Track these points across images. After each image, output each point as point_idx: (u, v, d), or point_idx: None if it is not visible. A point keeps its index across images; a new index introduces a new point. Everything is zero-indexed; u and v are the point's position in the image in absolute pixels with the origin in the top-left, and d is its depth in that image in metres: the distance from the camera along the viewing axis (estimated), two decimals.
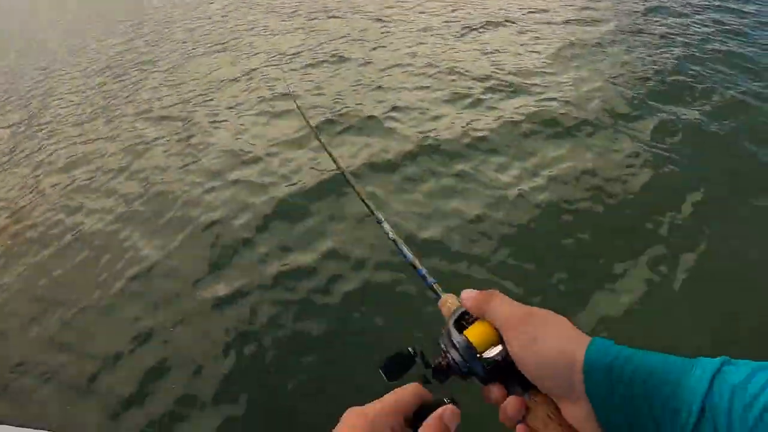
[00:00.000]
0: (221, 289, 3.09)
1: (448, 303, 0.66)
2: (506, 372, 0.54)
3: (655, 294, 2.56)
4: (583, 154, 3.71)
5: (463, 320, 0.58)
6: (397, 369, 0.58)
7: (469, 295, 0.59)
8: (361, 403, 0.52)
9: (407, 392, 0.53)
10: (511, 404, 0.53)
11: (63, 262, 3.86)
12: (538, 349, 0.51)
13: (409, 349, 0.55)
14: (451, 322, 0.58)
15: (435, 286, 0.71)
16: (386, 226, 0.85)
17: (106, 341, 2.99)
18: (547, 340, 0.51)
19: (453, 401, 0.53)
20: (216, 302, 3.01)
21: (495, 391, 0.55)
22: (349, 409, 0.51)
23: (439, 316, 0.66)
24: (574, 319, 0.53)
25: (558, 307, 0.53)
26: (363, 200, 0.91)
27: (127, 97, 7.29)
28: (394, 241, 0.82)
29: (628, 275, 2.68)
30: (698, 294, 2.53)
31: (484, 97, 4.82)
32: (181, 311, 3.04)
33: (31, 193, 5.18)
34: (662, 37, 5.66)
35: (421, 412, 0.52)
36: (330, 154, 1.11)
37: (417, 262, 0.76)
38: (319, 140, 1.29)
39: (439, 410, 0.51)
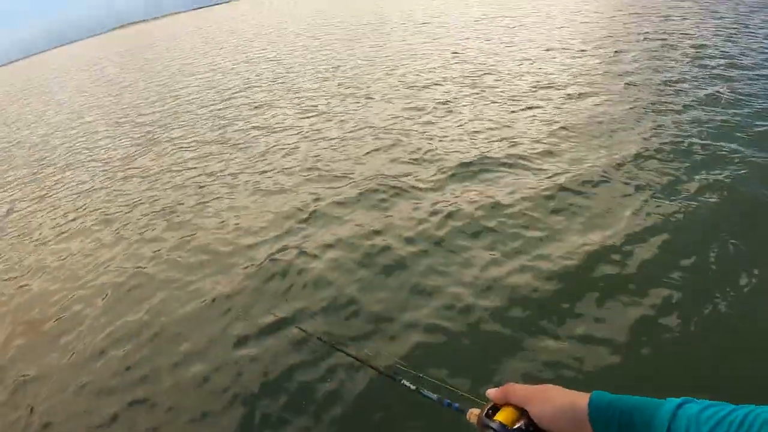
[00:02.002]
0: None
1: (474, 412, 0.86)
2: None
3: None
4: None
5: (490, 412, 0.83)
6: None
7: (493, 391, 0.83)
8: None
9: None
10: None
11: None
12: (554, 408, 0.75)
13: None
14: (483, 416, 0.83)
15: (460, 407, 0.90)
16: (405, 381, 0.98)
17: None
18: (558, 399, 0.76)
19: None
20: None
21: None
22: None
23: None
24: None
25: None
26: (377, 370, 1.05)
27: None
28: (416, 389, 0.96)
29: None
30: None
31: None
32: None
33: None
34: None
35: None
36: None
37: (441, 396, 0.93)
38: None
39: None
